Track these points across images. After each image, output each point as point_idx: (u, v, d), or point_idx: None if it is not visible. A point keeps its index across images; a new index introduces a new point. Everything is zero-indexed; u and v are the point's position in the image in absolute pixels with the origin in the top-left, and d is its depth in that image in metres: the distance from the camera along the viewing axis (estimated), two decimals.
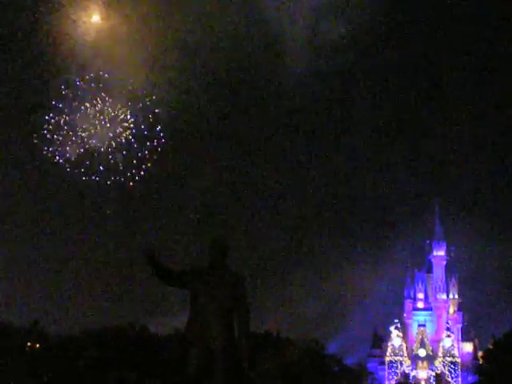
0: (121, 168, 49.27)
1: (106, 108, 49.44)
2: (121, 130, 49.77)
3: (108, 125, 48.68)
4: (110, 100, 48.78)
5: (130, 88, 49.32)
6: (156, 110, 50.56)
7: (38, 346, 73.33)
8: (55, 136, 47.71)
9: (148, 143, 50.59)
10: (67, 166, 50.07)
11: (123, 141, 49.89)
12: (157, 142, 51.42)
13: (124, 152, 50.42)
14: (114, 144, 49.64)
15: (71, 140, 48.52)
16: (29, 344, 72.96)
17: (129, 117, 50.25)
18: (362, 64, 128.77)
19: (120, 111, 49.74)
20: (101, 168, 49.57)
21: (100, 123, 48.68)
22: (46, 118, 48.20)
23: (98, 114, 48.92)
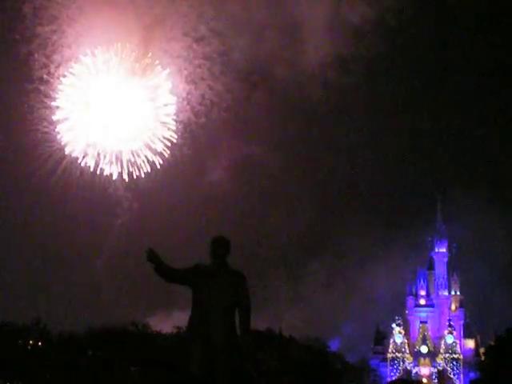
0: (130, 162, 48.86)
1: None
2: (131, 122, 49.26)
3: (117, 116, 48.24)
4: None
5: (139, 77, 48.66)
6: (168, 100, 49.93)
7: (40, 344, 73.42)
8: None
9: (159, 135, 50.12)
10: (75, 159, 49.83)
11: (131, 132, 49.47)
12: (169, 133, 50.90)
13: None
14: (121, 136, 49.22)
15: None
16: (31, 342, 73.07)
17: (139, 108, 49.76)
18: (388, 49, 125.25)
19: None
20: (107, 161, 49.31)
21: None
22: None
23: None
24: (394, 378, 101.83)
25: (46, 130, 49.57)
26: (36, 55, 49.52)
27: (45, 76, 48.68)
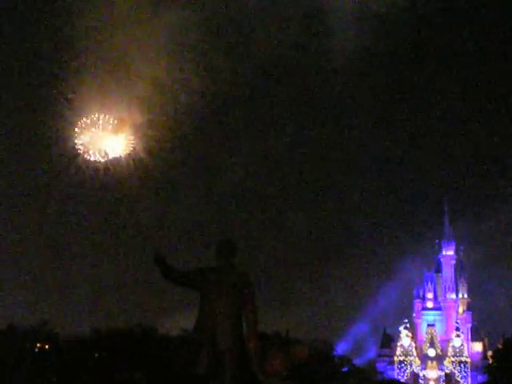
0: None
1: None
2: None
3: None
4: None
5: (152, 70, 47.79)
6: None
7: (47, 346, 73.47)
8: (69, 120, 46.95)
9: (172, 130, 49.44)
10: (75, 159, 49.43)
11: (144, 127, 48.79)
12: (181, 129, 50.29)
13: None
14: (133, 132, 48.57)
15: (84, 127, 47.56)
16: (38, 345, 73.13)
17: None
18: (419, 41, 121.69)
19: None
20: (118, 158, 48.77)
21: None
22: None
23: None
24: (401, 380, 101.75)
25: (58, 126, 48.73)
26: (47, 48, 48.66)
27: (57, 70, 47.76)
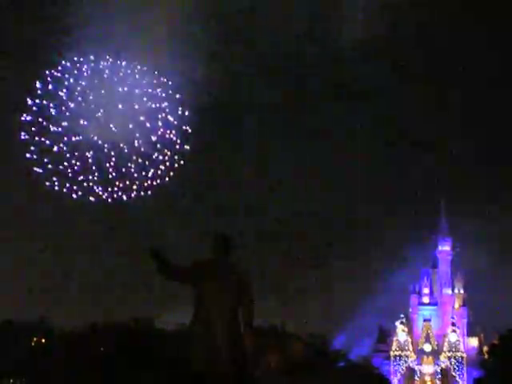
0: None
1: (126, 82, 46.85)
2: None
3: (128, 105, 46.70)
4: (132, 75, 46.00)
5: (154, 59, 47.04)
6: None
7: (44, 341, 73.50)
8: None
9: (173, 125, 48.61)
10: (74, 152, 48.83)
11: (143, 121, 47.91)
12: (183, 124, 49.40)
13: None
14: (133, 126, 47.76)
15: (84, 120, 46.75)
16: (35, 339, 73.15)
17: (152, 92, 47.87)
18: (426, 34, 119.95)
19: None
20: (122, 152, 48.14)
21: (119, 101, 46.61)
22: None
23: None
24: (397, 377, 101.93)
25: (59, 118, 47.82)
26: (45, 37, 47.55)
27: (56, 59, 46.92)
